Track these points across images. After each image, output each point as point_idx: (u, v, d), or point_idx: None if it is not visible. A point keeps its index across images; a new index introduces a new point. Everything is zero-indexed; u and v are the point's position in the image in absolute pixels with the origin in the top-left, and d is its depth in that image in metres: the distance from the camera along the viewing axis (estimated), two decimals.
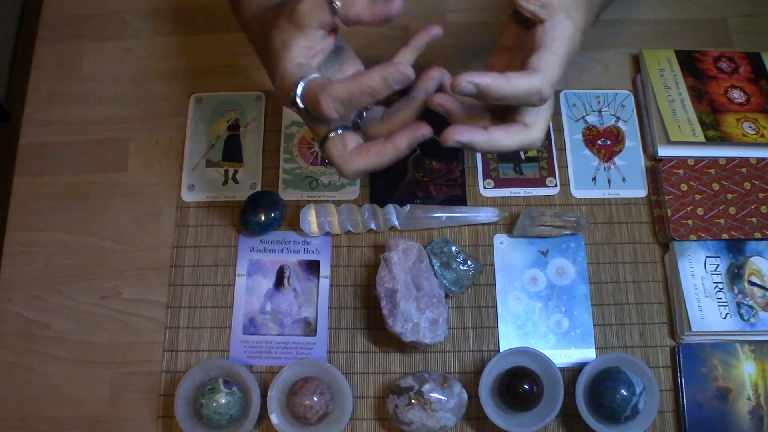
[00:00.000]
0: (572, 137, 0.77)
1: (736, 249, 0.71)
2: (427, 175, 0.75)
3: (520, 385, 0.64)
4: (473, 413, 0.67)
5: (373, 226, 0.72)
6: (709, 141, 0.73)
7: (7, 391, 0.69)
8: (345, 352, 0.70)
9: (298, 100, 0.52)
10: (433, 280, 0.68)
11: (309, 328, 0.71)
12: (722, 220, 0.71)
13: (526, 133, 0.54)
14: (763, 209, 0.72)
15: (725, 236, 0.70)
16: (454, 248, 0.69)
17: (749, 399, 0.67)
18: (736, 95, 0.77)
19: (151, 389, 0.69)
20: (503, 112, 0.57)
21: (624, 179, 0.75)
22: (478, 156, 0.76)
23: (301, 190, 0.75)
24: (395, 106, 0.57)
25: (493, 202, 0.75)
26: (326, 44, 0.54)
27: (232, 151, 0.77)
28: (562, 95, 0.79)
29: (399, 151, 0.53)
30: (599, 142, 0.77)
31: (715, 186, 0.72)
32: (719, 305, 0.69)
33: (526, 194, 0.75)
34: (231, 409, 0.64)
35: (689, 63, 0.78)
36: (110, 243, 0.74)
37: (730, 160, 0.73)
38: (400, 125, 0.55)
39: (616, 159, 0.76)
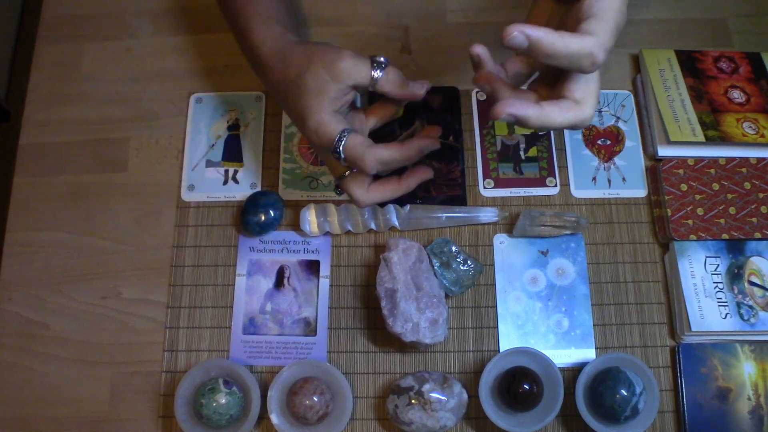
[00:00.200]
0: (572, 137, 0.77)
1: (736, 249, 0.71)
2: None
3: (520, 385, 0.64)
4: (473, 413, 0.67)
5: (373, 226, 0.72)
6: (709, 141, 0.73)
7: (7, 391, 0.69)
8: (345, 352, 0.70)
9: (341, 152, 0.60)
10: (433, 280, 0.68)
11: (309, 328, 0.71)
12: (722, 220, 0.71)
13: (577, 109, 0.53)
14: (763, 209, 0.72)
15: (725, 236, 0.70)
16: (454, 248, 0.69)
17: (749, 399, 0.67)
18: (736, 95, 0.77)
19: (151, 389, 0.69)
20: (548, 91, 0.57)
21: (624, 179, 0.75)
22: (478, 156, 0.76)
23: (301, 190, 0.75)
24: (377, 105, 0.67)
25: (493, 202, 0.75)
26: (350, 96, 0.62)
27: (232, 151, 0.77)
28: None
29: (410, 188, 0.67)
30: (599, 142, 0.77)
31: (715, 186, 0.72)
32: (719, 305, 0.69)
33: (526, 194, 0.75)
34: (231, 409, 0.64)
35: (689, 63, 0.78)
36: (110, 243, 0.74)
37: (730, 160, 0.73)
38: (382, 119, 0.67)
39: (616, 159, 0.76)
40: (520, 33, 0.48)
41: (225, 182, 0.76)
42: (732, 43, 0.82)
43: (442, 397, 0.65)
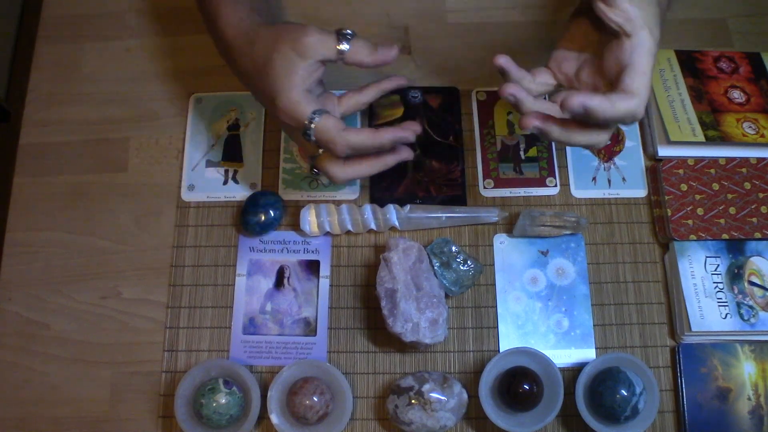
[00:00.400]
0: None
1: (736, 249, 0.71)
2: (427, 175, 0.75)
3: (520, 385, 0.64)
4: (473, 413, 0.67)
5: (373, 226, 0.72)
6: (709, 141, 0.73)
7: (7, 391, 0.69)
8: (345, 352, 0.70)
9: (311, 133, 0.60)
10: (433, 280, 0.68)
11: (309, 328, 0.71)
12: (722, 220, 0.71)
13: (636, 99, 0.54)
14: (763, 209, 0.72)
15: (725, 236, 0.70)
16: (454, 248, 0.69)
17: (749, 399, 0.67)
18: (736, 95, 0.77)
19: (151, 389, 0.69)
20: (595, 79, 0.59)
21: (624, 179, 0.75)
22: (478, 156, 0.76)
23: (301, 190, 0.75)
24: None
25: (493, 202, 0.75)
26: (319, 72, 0.62)
27: (232, 151, 0.77)
28: None
29: (387, 166, 0.65)
30: None
31: (715, 186, 0.72)
32: (719, 305, 0.69)
33: (526, 194, 0.75)
34: (231, 409, 0.64)
35: (689, 63, 0.78)
36: (110, 243, 0.74)
37: (730, 160, 0.73)
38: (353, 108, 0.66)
39: (616, 159, 0.76)
40: (580, 105, 0.52)
41: (225, 182, 0.75)
42: (732, 43, 0.82)
43: (442, 397, 0.65)
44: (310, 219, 0.71)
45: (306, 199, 0.75)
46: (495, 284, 0.72)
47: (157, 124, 0.78)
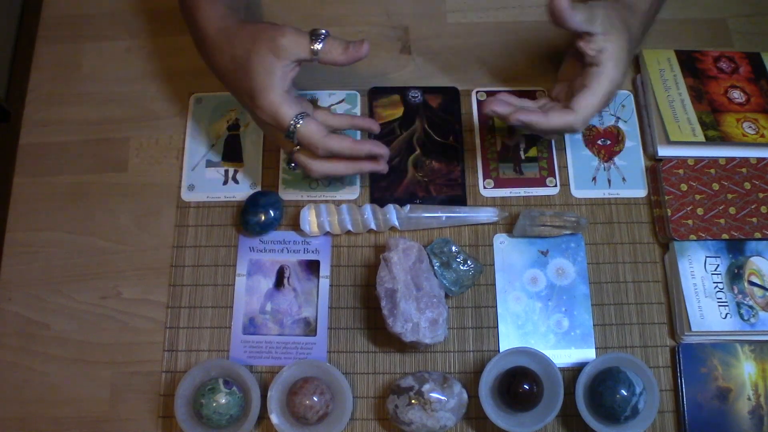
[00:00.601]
0: (572, 137, 0.77)
1: (736, 249, 0.71)
2: (427, 175, 0.75)
3: (520, 385, 0.64)
4: (473, 413, 0.67)
5: (373, 226, 0.72)
6: (709, 141, 0.73)
7: (7, 391, 0.69)
8: (345, 352, 0.70)
9: (294, 136, 0.63)
10: (433, 280, 0.68)
11: (309, 328, 0.71)
12: (722, 220, 0.71)
13: (573, 116, 0.65)
14: (763, 209, 0.72)
15: (725, 236, 0.70)
16: (454, 248, 0.69)
17: (749, 399, 0.67)
18: (736, 95, 0.77)
19: (151, 389, 0.69)
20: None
21: (624, 179, 0.75)
22: (478, 156, 0.76)
23: (301, 190, 0.75)
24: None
25: (493, 202, 0.75)
26: (295, 72, 0.64)
27: (232, 151, 0.77)
28: None
29: (362, 171, 0.69)
30: (599, 142, 0.77)
31: (715, 186, 0.72)
32: (719, 305, 0.69)
33: (526, 194, 0.75)
34: (231, 409, 0.64)
35: (689, 63, 0.78)
36: (110, 243, 0.74)
37: (730, 160, 0.73)
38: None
39: (616, 159, 0.76)
40: (519, 120, 0.64)
41: (225, 182, 0.75)
42: (732, 43, 0.82)
43: (442, 397, 0.65)
44: (310, 219, 0.71)
45: (306, 199, 0.75)
46: (495, 284, 0.72)
47: (157, 124, 0.78)
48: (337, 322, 0.71)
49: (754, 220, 0.71)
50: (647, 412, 0.64)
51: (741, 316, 0.68)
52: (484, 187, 0.75)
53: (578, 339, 0.70)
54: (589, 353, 0.69)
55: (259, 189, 0.75)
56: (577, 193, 0.75)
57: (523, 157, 0.76)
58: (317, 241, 0.73)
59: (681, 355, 0.68)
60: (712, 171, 0.73)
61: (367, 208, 0.72)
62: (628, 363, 0.66)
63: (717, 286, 0.69)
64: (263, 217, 0.71)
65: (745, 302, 0.69)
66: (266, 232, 0.72)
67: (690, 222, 0.71)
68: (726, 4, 0.84)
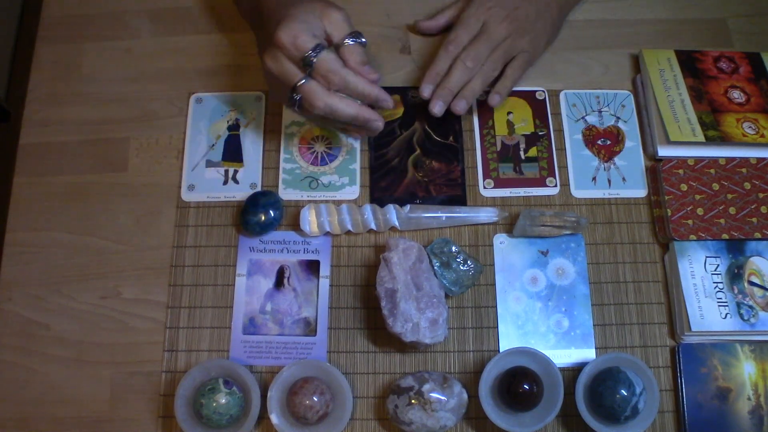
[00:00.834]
0: (572, 137, 0.77)
1: (736, 249, 0.71)
2: (427, 175, 0.75)
3: (520, 385, 0.64)
4: (473, 413, 0.67)
5: (373, 226, 0.72)
6: (709, 141, 0.73)
7: (7, 391, 0.69)
8: (345, 352, 0.70)
9: (313, 63, 0.64)
10: (433, 280, 0.68)
11: (309, 328, 0.71)
12: (722, 220, 0.71)
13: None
14: (763, 209, 0.72)
15: (725, 236, 0.70)
16: (454, 248, 0.69)
17: (749, 399, 0.67)
18: (736, 95, 0.77)
19: (151, 389, 0.69)
20: None
21: (624, 179, 0.75)
22: (478, 156, 0.76)
23: (301, 190, 0.75)
24: None
25: (493, 202, 0.75)
26: (323, 41, 0.66)
27: (232, 151, 0.77)
28: (562, 95, 0.79)
29: (358, 117, 0.68)
30: (599, 142, 0.77)
31: (715, 186, 0.72)
32: (719, 305, 0.69)
33: (526, 194, 0.75)
34: (231, 409, 0.64)
35: (689, 63, 0.78)
36: (110, 243, 0.74)
37: (730, 160, 0.73)
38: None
39: (616, 159, 0.76)
40: (441, 109, 0.74)
41: (225, 182, 0.76)
42: (732, 43, 0.82)
43: (442, 397, 0.65)
44: (310, 219, 0.71)
45: (306, 199, 0.75)
46: (495, 284, 0.72)
47: (157, 124, 0.78)
48: (337, 322, 0.71)
49: (754, 220, 0.71)
50: (647, 412, 0.64)
51: (741, 316, 0.68)
52: (484, 187, 0.75)
53: (578, 339, 0.70)
54: (589, 353, 0.69)
55: (259, 189, 0.75)
56: (577, 193, 0.75)
57: (523, 157, 0.76)
58: (317, 241, 0.73)
59: (681, 355, 0.68)
60: (712, 171, 0.73)
61: (367, 208, 0.72)
62: (628, 363, 0.66)
63: (717, 286, 0.69)
64: (263, 217, 0.71)
65: (745, 302, 0.69)
66: (266, 232, 0.72)
67: (690, 222, 0.71)
68: (726, 4, 0.84)
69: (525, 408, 0.65)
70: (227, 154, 0.77)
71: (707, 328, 0.68)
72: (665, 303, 0.71)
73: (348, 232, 0.73)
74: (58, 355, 0.70)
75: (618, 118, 0.78)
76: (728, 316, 0.68)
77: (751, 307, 0.69)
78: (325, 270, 0.72)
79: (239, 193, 0.75)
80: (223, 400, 0.64)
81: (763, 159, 0.73)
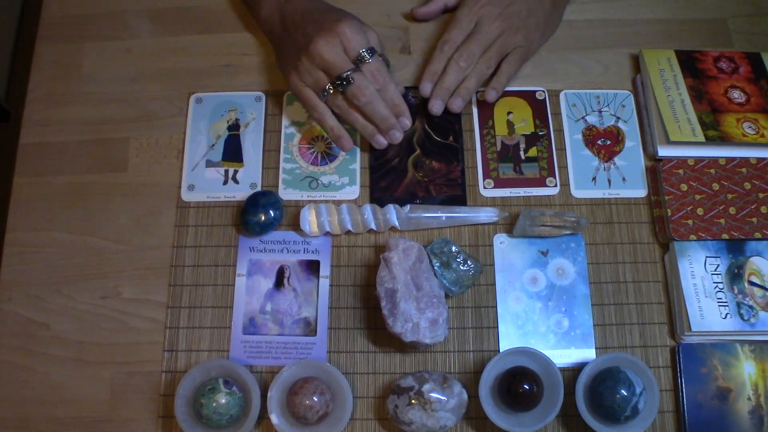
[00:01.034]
0: (572, 137, 0.77)
1: (736, 249, 0.71)
2: (427, 175, 0.75)
3: (520, 385, 0.64)
4: (473, 413, 0.67)
5: (373, 226, 0.72)
6: (709, 141, 0.73)
7: (7, 391, 0.69)
8: (345, 352, 0.70)
9: (364, 60, 0.70)
10: (433, 280, 0.68)
11: (309, 328, 0.71)
12: (722, 220, 0.71)
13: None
14: (763, 209, 0.72)
15: (725, 236, 0.70)
16: (454, 248, 0.69)
17: (749, 399, 0.67)
18: (736, 95, 0.77)
19: (151, 389, 0.69)
20: None
21: (624, 179, 0.75)
22: (478, 156, 0.76)
23: (301, 190, 0.75)
24: None
25: (493, 202, 0.75)
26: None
27: (232, 151, 0.77)
28: (562, 95, 0.79)
29: (370, 133, 0.74)
30: (599, 142, 0.77)
31: (715, 186, 0.72)
32: (719, 305, 0.69)
33: (526, 194, 0.75)
34: (231, 409, 0.64)
35: (689, 63, 0.78)
36: (110, 243, 0.74)
37: (730, 160, 0.73)
38: None
39: (616, 159, 0.76)
40: (439, 108, 0.77)
41: (225, 182, 0.76)
42: (732, 43, 0.82)
43: (442, 397, 0.65)
44: (310, 219, 0.71)
45: (306, 199, 0.75)
46: (495, 284, 0.72)
47: (157, 124, 0.78)
48: (337, 322, 0.71)
49: (754, 220, 0.71)
50: (647, 412, 0.64)
51: (741, 316, 0.68)
52: (484, 187, 0.75)
53: (578, 339, 0.70)
54: (589, 353, 0.69)
55: (259, 189, 0.75)
56: (577, 193, 0.75)
57: (523, 157, 0.76)
58: (317, 241, 0.73)
59: (681, 355, 0.68)
60: (712, 171, 0.73)
61: (367, 208, 0.72)
62: (628, 363, 0.66)
63: (717, 286, 0.69)
64: (263, 217, 0.71)
65: (745, 302, 0.69)
66: (266, 232, 0.72)
67: (690, 222, 0.71)
68: (726, 4, 0.84)
69: (525, 408, 0.65)
70: (227, 154, 0.77)
71: (707, 328, 0.68)
72: (665, 303, 0.71)
73: (348, 232, 0.73)
74: (58, 355, 0.70)
75: (618, 118, 0.78)
76: (728, 316, 0.68)
77: (751, 307, 0.69)
78: (325, 270, 0.72)
79: (239, 193, 0.75)
80: (223, 400, 0.64)
81: (763, 159, 0.73)
